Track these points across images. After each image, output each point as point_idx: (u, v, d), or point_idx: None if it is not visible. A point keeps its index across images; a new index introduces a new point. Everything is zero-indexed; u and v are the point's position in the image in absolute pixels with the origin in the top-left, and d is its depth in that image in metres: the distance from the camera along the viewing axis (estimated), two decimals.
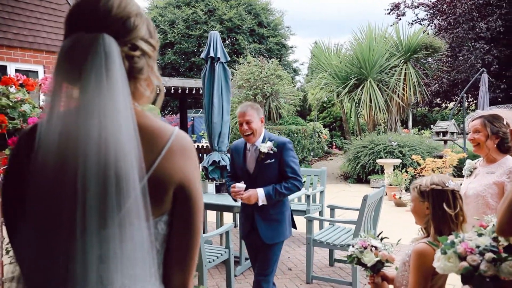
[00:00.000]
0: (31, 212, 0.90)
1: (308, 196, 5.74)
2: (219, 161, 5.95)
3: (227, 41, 21.39)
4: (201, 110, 19.67)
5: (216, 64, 5.85)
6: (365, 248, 2.19)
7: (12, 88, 3.24)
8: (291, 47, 23.65)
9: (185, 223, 1.02)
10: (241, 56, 12.16)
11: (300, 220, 6.36)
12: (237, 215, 4.79)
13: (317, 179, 6.42)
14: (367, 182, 10.79)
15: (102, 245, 0.87)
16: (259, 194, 3.12)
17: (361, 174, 10.96)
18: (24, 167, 0.98)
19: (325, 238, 4.45)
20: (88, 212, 0.85)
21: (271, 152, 3.17)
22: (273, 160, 3.17)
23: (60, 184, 0.87)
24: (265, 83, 11.06)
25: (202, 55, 5.96)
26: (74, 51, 0.87)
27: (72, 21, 0.93)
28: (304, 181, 6.29)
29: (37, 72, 7.74)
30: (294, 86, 13.47)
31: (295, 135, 10.85)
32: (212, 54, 5.81)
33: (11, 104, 3.17)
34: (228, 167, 6.05)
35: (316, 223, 5.94)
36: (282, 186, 3.15)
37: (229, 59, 6.03)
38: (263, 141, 3.23)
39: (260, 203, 3.14)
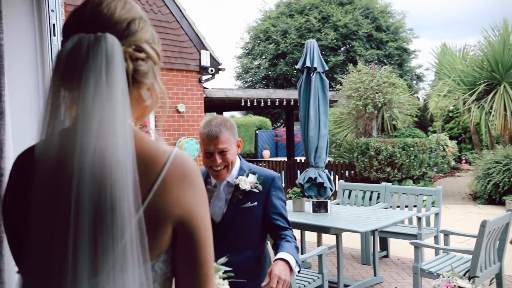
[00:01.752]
0: (26, 251, 0.84)
1: (419, 219, 5.08)
2: (316, 177, 5.57)
3: (342, 49, 20.74)
4: None
5: (313, 75, 5.57)
6: None
7: None
8: (414, 51, 22.08)
9: (190, 261, 0.92)
10: (358, 64, 11.49)
11: (405, 244, 5.72)
12: (340, 237, 4.42)
13: (432, 200, 5.60)
14: (502, 203, 9.32)
15: None
16: (291, 262, 2.02)
17: (493, 194, 9.54)
18: (16, 197, 0.92)
19: (435, 268, 3.83)
20: (79, 255, 0.76)
21: (255, 190, 2.15)
22: (255, 203, 2.13)
23: (53, 218, 0.80)
24: (377, 92, 10.26)
25: (298, 66, 5.75)
26: (75, 52, 0.81)
27: (72, 23, 0.88)
28: (415, 205, 5.59)
29: None
30: (412, 94, 12.31)
31: (411, 148, 9.82)
32: (308, 64, 5.57)
33: None
34: (325, 184, 5.65)
35: (430, 250, 5.30)
36: (293, 244, 2.13)
37: (326, 68, 5.72)
38: (240, 174, 2.18)
39: (295, 273, 2.09)
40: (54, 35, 2.21)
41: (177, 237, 0.90)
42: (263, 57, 21.58)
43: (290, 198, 5.22)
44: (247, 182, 2.13)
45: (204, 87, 9.04)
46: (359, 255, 5.79)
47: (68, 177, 0.77)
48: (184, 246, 0.91)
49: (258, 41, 21.82)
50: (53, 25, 2.19)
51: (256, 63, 22.01)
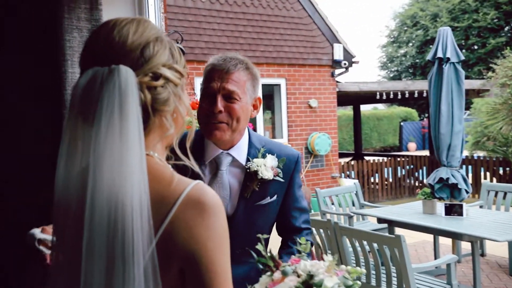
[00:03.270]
0: None
1: None
2: (448, 178, 5.13)
3: (505, 29, 18.21)
4: (467, 111, 17.53)
5: (445, 66, 5.12)
6: None
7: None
8: None
9: None
10: None
11: None
12: (476, 244, 3.98)
13: None
14: None
15: None
16: None
17: None
18: None
19: None
20: None
21: (278, 179, 1.51)
22: (274, 197, 1.51)
23: (67, 263, 0.79)
24: None
25: (428, 57, 5.36)
26: (90, 87, 0.80)
27: (87, 56, 0.86)
28: None
29: (279, 85, 8.41)
30: None
31: None
32: (440, 54, 5.15)
33: None
34: (459, 186, 5.14)
35: None
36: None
37: (462, 58, 5.23)
38: (251, 152, 1.52)
39: None
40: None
41: (185, 283, 0.83)
42: (410, 44, 20.23)
43: (420, 199, 4.92)
44: (268, 168, 1.48)
45: (337, 81, 8.93)
46: (507, 265, 5.19)
47: (81, 221, 0.75)
48: None
49: (405, 28, 20.52)
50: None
51: (402, 51, 20.77)
